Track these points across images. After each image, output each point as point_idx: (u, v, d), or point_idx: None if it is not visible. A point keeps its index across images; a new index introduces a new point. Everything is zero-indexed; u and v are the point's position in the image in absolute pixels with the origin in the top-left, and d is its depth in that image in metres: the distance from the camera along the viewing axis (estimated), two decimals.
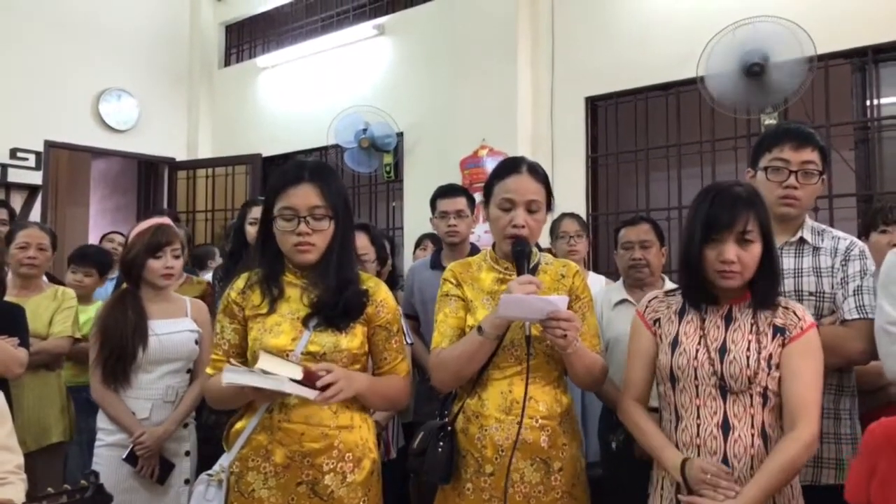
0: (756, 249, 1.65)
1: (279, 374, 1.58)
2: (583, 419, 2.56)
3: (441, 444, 1.79)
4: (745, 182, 1.79)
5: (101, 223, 7.61)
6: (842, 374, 1.95)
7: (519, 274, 1.78)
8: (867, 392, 2.12)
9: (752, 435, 1.62)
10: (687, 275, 1.73)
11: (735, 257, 1.63)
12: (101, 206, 7.93)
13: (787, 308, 1.69)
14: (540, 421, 1.79)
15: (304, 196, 1.73)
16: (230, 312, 1.81)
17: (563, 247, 3.33)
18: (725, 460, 1.61)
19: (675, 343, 1.71)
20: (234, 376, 1.57)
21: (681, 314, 1.75)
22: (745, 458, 1.61)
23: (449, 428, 1.83)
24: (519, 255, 1.79)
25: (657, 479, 1.76)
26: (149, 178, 7.07)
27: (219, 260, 5.14)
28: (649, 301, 1.82)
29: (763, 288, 1.67)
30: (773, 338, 1.66)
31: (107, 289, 4.62)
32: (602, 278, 3.40)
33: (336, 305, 1.74)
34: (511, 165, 1.89)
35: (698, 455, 1.64)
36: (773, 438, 1.63)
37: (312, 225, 1.73)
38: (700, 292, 1.72)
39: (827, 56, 3.80)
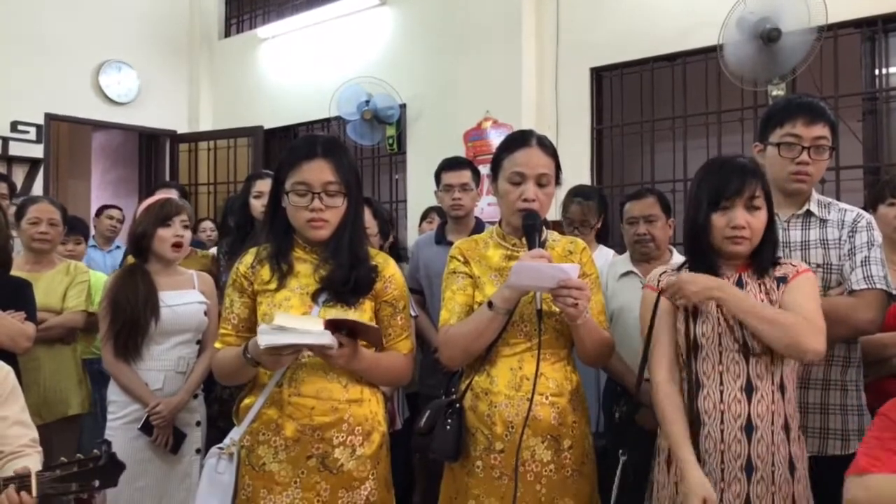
0: (763, 216, 1.71)
1: (311, 328, 1.58)
2: None
3: (449, 421, 1.79)
4: (745, 157, 1.82)
5: (102, 196, 7.59)
6: (849, 345, 1.97)
7: (530, 248, 1.76)
8: (871, 363, 2.13)
9: (773, 392, 1.67)
10: (693, 245, 1.76)
11: (745, 223, 1.68)
12: (103, 178, 7.91)
13: (784, 263, 1.77)
14: (550, 398, 1.79)
15: (318, 171, 1.73)
16: (239, 287, 1.81)
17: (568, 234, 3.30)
18: (749, 422, 1.65)
19: (695, 312, 1.73)
20: (272, 338, 1.56)
21: None
22: (767, 416, 1.66)
23: (457, 405, 1.82)
24: (530, 229, 1.77)
25: (663, 450, 1.77)
26: (150, 150, 7.03)
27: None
28: (660, 275, 1.82)
29: (765, 255, 1.74)
30: (779, 289, 1.72)
31: (111, 258, 4.64)
32: (610, 252, 3.38)
33: (348, 281, 1.75)
34: (520, 139, 1.87)
35: (721, 421, 1.66)
36: (788, 390, 1.69)
37: (326, 201, 1.73)
38: (705, 263, 1.74)
39: (836, 25, 3.74)
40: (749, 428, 1.65)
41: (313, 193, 1.72)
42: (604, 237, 3.31)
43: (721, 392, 1.68)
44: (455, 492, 1.84)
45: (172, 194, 3.80)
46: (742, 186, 1.67)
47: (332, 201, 1.74)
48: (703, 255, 1.74)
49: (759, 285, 1.72)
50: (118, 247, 4.87)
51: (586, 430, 1.88)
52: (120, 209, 5.01)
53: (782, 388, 1.68)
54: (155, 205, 2.54)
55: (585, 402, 1.92)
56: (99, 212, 5.00)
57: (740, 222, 1.67)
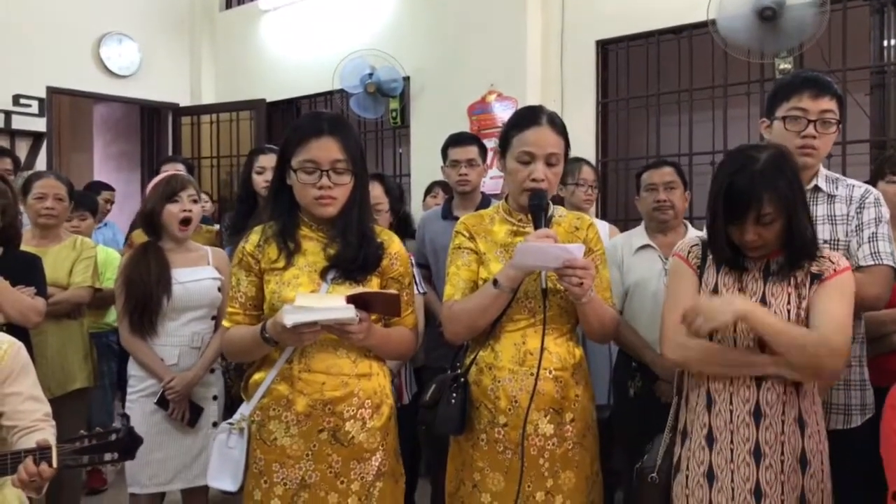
0: (777, 226, 1.63)
1: (333, 304, 1.61)
2: None
3: (454, 395, 1.82)
4: (770, 148, 1.70)
5: (104, 169, 7.56)
6: (853, 321, 1.98)
7: (536, 227, 1.77)
8: (873, 339, 2.15)
9: (785, 383, 1.65)
10: (716, 247, 1.72)
11: (756, 236, 1.63)
12: (105, 152, 7.87)
13: (823, 257, 1.69)
14: (553, 372, 1.81)
15: (326, 149, 1.73)
16: (246, 266, 1.83)
17: (581, 195, 3.30)
18: (758, 407, 1.65)
19: (715, 292, 1.71)
20: (298, 316, 1.58)
21: (719, 264, 1.75)
22: (777, 405, 1.64)
23: (462, 379, 1.85)
24: (536, 209, 1.78)
25: (680, 421, 1.78)
26: (152, 123, 7.00)
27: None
28: (690, 247, 1.80)
29: (793, 251, 1.66)
30: (811, 286, 1.66)
31: (101, 235, 4.63)
32: (606, 225, 3.39)
33: (357, 259, 1.76)
34: (530, 116, 1.86)
35: (730, 402, 1.66)
36: (805, 386, 1.67)
37: (334, 179, 1.74)
38: (732, 255, 1.71)
39: None
40: (757, 414, 1.64)
41: (321, 171, 1.73)
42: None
43: (731, 378, 1.67)
44: (461, 463, 1.88)
45: (179, 169, 3.82)
46: (747, 207, 1.60)
47: (340, 179, 1.75)
48: (727, 249, 1.70)
49: (790, 278, 1.67)
50: (105, 224, 4.85)
51: (588, 404, 1.90)
52: (112, 189, 4.96)
53: (797, 383, 1.65)
54: (161, 181, 2.56)
55: (588, 375, 1.94)
56: (90, 188, 4.94)
57: (748, 239, 1.63)
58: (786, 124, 1.95)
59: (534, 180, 1.80)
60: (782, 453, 1.64)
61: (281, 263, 1.78)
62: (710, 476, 1.67)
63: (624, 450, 2.49)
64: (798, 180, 1.66)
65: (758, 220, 1.61)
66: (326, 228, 1.81)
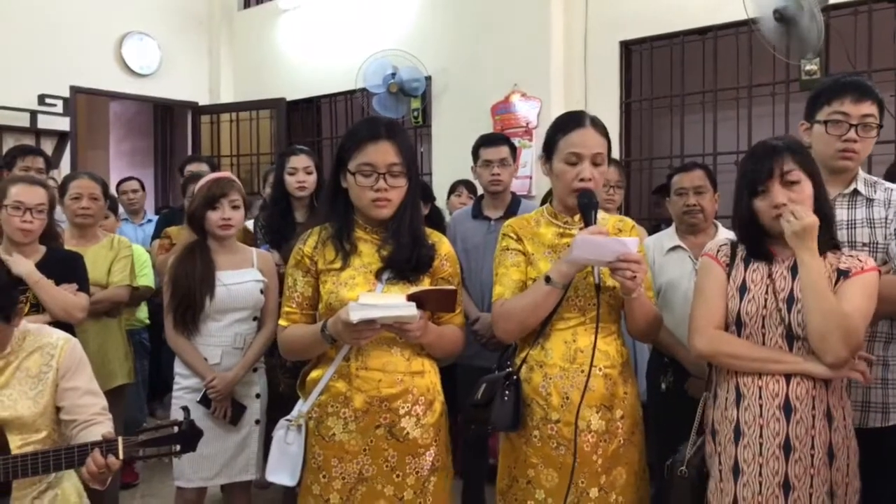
0: (806, 189, 1.70)
1: (395, 302, 1.67)
2: None
3: (507, 393, 1.86)
4: (785, 136, 1.83)
5: (118, 166, 7.61)
6: (892, 322, 2.01)
7: (586, 225, 1.80)
8: None
9: (814, 378, 1.68)
10: (743, 234, 1.77)
11: (785, 199, 1.68)
12: (118, 149, 7.92)
13: (851, 256, 1.75)
14: (603, 369, 1.85)
15: (383, 153, 1.78)
16: (303, 266, 1.88)
17: (601, 195, 3.33)
18: (787, 401, 1.68)
19: (742, 288, 1.76)
20: (364, 313, 1.63)
21: (746, 261, 1.79)
22: (806, 399, 1.68)
23: (514, 377, 1.88)
24: (586, 207, 1.82)
25: (709, 420, 1.82)
26: (165, 121, 7.02)
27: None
28: (719, 247, 1.85)
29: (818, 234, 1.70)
30: (837, 282, 1.71)
31: (143, 231, 4.70)
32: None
33: (410, 260, 1.82)
34: (574, 119, 1.92)
35: (760, 396, 1.70)
36: (833, 381, 1.70)
37: (390, 181, 1.79)
38: (762, 249, 1.76)
39: (871, 0, 3.73)
40: (788, 409, 1.67)
41: (378, 174, 1.78)
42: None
43: (760, 373, 1.70)
44: (514, 460, 1.92)
45: (204, 169, 3.86)
46: (771, 167, 1.69)
47: (396, 181, 1.80)
48: (757, 242, 1.76)
49: None
50: (150, 220, 4.90)
51: (635, 401, 1.95)
52: (135, 179, 5.02)
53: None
54: (205, 186, 2.59)
55: (634, 373, 1.98)
56: (119, 185, 5.02)
57: (779, 200, 1.68)
58: (827, 128, 1.99)
59: (582, 180, 1.85)
60: (812, 447, 1.67)
61: (338, 264, 1.83)
62: (736, 471, 1.71)
63: (656, 444, 2.54)
64: (815, 162, 1.76)
65: (783, 179, 1.68)
66: (380, 230, 1.87)
